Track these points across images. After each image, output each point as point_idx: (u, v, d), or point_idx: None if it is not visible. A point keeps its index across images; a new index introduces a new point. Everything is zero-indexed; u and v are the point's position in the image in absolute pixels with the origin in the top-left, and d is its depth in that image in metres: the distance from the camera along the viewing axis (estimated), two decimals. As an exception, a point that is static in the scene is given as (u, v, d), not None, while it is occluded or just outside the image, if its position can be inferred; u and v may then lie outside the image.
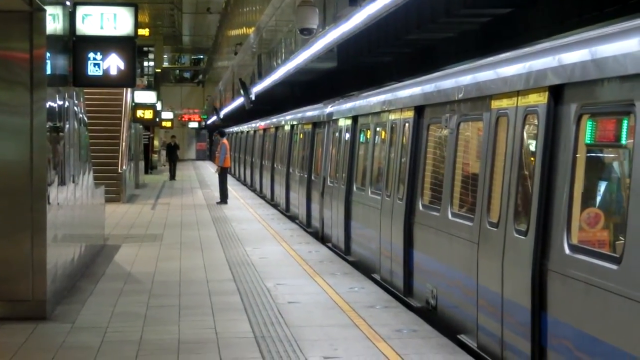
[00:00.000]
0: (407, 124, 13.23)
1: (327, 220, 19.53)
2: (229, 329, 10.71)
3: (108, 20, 13.42)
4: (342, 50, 24.05)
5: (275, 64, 33.08)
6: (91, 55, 13.28)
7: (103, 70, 13.31)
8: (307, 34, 19.32)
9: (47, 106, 11.42)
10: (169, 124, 68.92)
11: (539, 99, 8.33)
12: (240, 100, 45.44)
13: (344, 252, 17.28)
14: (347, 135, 17.80)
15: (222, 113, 66.17)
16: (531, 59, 8.72)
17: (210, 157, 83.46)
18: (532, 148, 8.59)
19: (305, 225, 22.72)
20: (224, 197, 30.21)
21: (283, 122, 29.60)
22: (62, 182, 12.56)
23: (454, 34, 17.60)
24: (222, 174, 30.44)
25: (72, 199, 13.72)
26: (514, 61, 9.19)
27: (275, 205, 29.78)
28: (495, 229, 9.18)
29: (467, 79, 10.61)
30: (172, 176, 46.36)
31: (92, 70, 13.30)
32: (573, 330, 7.54)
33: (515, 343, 8.67)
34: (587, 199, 7.79)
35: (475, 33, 16.53)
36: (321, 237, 20.16)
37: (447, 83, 11.45)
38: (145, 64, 76.47)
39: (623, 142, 7.05)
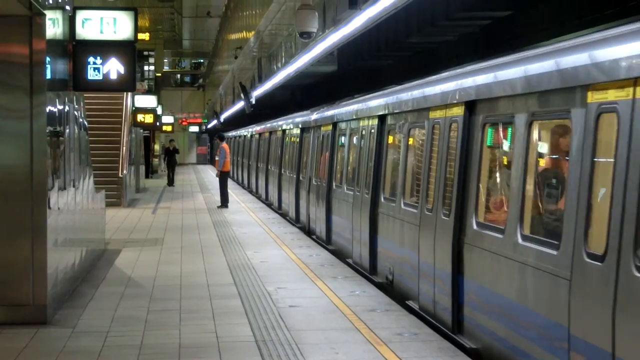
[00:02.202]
0: (372, 130, 15.35)
1: (312, 215, 21.73)
2: (229, 333, 10.70)
3: (108, 25, 13.42)
4: (342, 53, 24.07)
5: (275, 67, 33.09)
6: (91, 59, 13.28)
7: (103, 74, 13.31)
8: (307, 38, 19.31)
9: (47, 110, 11.42)
10: (169, 128, 68.93)
11: (459, 112, 10.62)
12: (240, 104, 45.47)
13: (326, 242, 19.43)
14: (328, 139, 19.99)
15: (223, 117, 66.23)
16: (459, 78, 10.83)
17: (211, 161, 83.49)
18: (454, 150, 10.76)
19: (294, 221, 24.73)
20: (224, 201, 30.21)
21: (276, 127, 31.74)
22: (62, 187, 12.56)
23: (454, 37, 17.61)
24: (222, 177, 30.44)
25: (73, 204, 13.72)
26: (448, 79, 11.38)
27: (269, 205, 31.49)
28: (430, 214, 11.45)
29: (416, 93, 12.76)
30: (171, 182, 44.49)
31: (92, 75, 13.30)
32: (480, 287, 9.77)
33: (442, 302, 10.91)
34: (488, 188, 10.14)
35: (475, 36, 16.54)
36: (308, 231, 22.21)
37: (404, 96, 13.52)
38: (146, 68, 76.59)
39: (508, 144, 9.32)
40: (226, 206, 30.00)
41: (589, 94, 7.24)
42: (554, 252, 7.69)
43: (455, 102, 10.74)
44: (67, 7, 13.40)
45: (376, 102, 15.33)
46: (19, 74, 11.26)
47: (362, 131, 16.31)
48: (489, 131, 9.96)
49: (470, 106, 10.31)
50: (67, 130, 13.20)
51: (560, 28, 12.64)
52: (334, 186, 18.94)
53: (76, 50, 13.35)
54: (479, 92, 9.97)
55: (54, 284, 11.67)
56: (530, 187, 8.64)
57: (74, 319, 11.59)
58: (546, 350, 7.89)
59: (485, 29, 15.96)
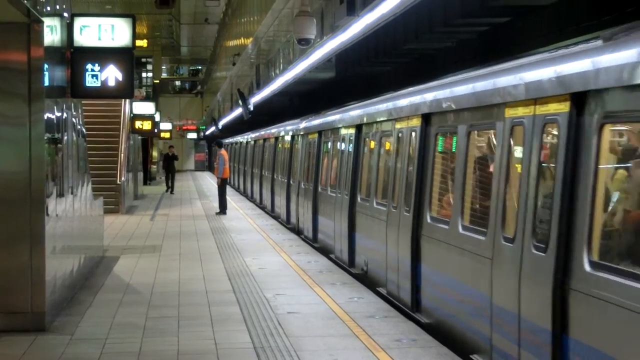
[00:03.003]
0: (351, 138, 17.18)
1: (300, 216, 23.53)
2: (228, 340, 10.69)
3: (106, 32, 13.43)
4: (340, 60, 24.08)
5: (273, 74, 33.12)
6: (89, 66, 13.29)
7: (101, 81, 13.32)
8: (305, 44, 19.33)
9: (45, 117, 11.42)
10: (167, 135, 68.91)
11: (417, 123, 12.40)
12: (238, 111, 45.47)
13: (312, 241, 21.06)
14: (314, 146, 22.00)
15: (221, 123, 66.23)
16: (419, 94, 12.64)
17: (209, 167, 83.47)
18: (413, 154, 12.59)
19: (285, 222, 26.55)
20: (223, 208, 30.20)
21: (270, 134, 33.72)
22: (60, 194, 12.56)
23: (452, 43, 17.63)
24: (221, 185, 30.44)
25: (71, 210, 13.71)
26: (412, 94, 13.11)
27: (263, 208, 33.08)
28: (395, 211, 13.21)
29: (385, 106, 14.62)
30: (170, 189, 43.69)
31: (90, 82, 13.30)
32: (433, 271, 11.50)
33: (405, 286, 12.56)
34: (439, 187, 11.77)
35: (473, 42, 16.55)
36: (297, 231, 23.81)
37: (373, 108, 15.61)
38: (144, 75, 76.56)
39: (454, 150, 11.01)
40: (224, 213, 29.99)
41: (506, 110, 9.05)
42: (483, 238, 9.44)
43: (414, 114, 12.71)
44: (65, 14, 13.41)
45: (353, 113, 17.43)
46: (17, 81, 11.26)
47: (342, 139, 18.31)
48: (440, 139, 11.82)
49: (427, 118, 12.16)
50: (65, 137, 13.20)
51: (558, 34, 12.66)
52: (319, 189, 20.66)
53: (74, 57, 13.36)
54: (431, 107, 11.87)
55: (52, 291, 11.66)
56: (469, 186, 10.43)
57: (72, 326, 11.58)
58: (477, 319, 9.59)
59: (484, 35, 15.97)
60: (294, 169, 25.62)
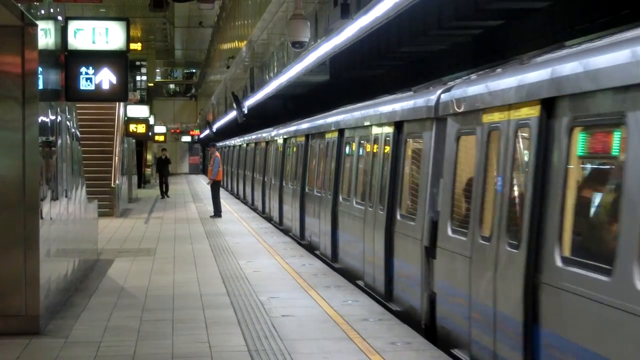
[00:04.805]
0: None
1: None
2: (222, 343, 10.69)
3: (100, 35, 13.40)
4: (334, 63, 24.10)
5: (267, 77, 33.12)
6: (83, 69, 13.26)
7: (95, 84, 13.29)
8: (299, 47, 19.33)
9: (40, 121, 11.41)
10: (162, 138, 68.85)
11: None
12: (233, 114, 45.45)
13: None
14: (280, 150, 26.88)
15: (215, 127, 66.19)
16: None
17: (204, 170, 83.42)
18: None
19: (261, 212, 31.13)
20: (217, 211, 30.17)
21: (251, 140, 38.22)
22: (54, 197, 12.54)
23: (446, 46, 17.65)
24: (215, 187, 30.42)
25: (65, 214, 13.70)
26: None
27: (254, 209, 34.67)
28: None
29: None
30: (163, 193, 42.60)
31: (84, 85, 13.28)
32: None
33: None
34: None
35: (467, 45, 16.57)
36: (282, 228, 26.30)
37: (321, 122, 19.69)
38: (138, 78, 76.46)
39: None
40: (219, 216, 29.97)
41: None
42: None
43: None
44: (59, 18, 13.40)
45: (304, 125, 20.69)
46: (11, 84, 11.24)
47: (298, 145, 21.14)
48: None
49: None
50: (60, 141, 13.19)
51: (552, 37, 12.67)
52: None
53: (68, 60, 13.33)
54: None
55: (46, 295, 11.65)
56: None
57: (66, 329, 11.57)
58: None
59: (478, 38, 16.00)
60: (267, 169, 29.65)
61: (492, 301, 8.86)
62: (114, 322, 12.03)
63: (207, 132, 75.01)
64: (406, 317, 12.17)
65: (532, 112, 8.14)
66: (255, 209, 33.91)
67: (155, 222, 28.85)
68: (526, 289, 7.97)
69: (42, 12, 12.31)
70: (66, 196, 13.74)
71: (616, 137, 6.83)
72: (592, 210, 7.32)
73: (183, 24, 74.38)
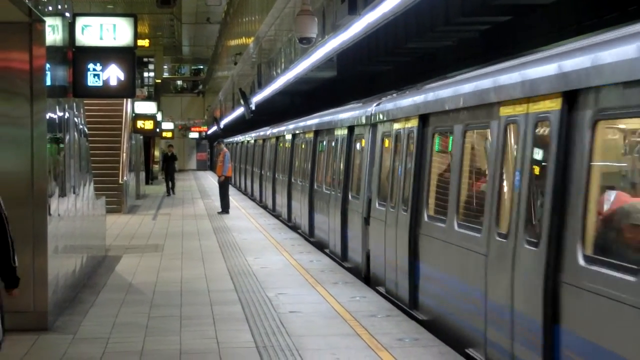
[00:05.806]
0: (289, 142, 21.78)
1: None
2: (230, 339, 10.70)
3: (107, 31, 13.42)
4: (342, 59, 24.07)
5: (275, 73, 33.10)
6: (91, 66, 13.28)
7: (103, 81, 13.31)
8: (307, 43, 19.31)
9: (47, 117, 11.43)
10: (169, 135, 68.90)
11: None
12: (240, 110, 45.44)
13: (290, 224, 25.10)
14: (274, 148, 30.09)
15: (223, 123, 66.19)
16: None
17: (211, 167, 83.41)
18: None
19: (271, 210, 31.36)
20: (225, 207, 30.18)
21: (259, 137, 38.83)
22: (62, 193, 12.56)
23: (453, 42, 17.61)
24: (224, 183, 30.43)
25: (73, 210, 13.72)
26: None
27: (263, 206, 34.39)
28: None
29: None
30: (170, 191, 42.09)
31: (92, 81, 13.30)
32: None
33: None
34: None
35: (475, 41, 16.54)
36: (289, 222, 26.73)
37: (303, 123, 22.93)
38: (146, 74, 76.56)
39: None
40: (227, 212, 29.99)
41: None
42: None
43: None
44: (67, 14, 13.41)
45: (291, 126, 22.98)
46: (19, 80, 11.26)
47: (286, 143, 23.90)
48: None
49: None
50: (67, 137, 13.21)
51: (559, 33, 12.65)
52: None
53: (76, 56, 13.35)
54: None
55: (54, 291, 11.67)
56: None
57: (74, 325, 11.59)
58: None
59: (485, 34, 15.96)
60: (270, 165, 31.42)
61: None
62: (121, 318, 12.05)
63: (214, 128, 74.98)
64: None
65: (415, 123, 12.26)
66: (265, 207, 33.57)
67: (163, 218, 28.87)
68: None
69: (50, 8, 12.31)
70: (74, 192, 13.76)
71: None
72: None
73: (190, 20, 74.35)
